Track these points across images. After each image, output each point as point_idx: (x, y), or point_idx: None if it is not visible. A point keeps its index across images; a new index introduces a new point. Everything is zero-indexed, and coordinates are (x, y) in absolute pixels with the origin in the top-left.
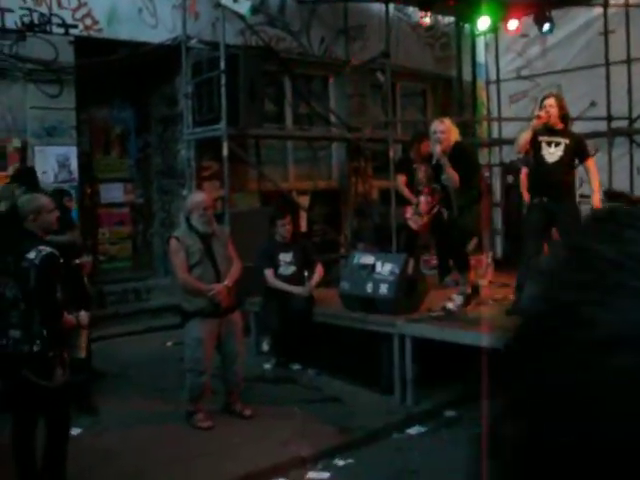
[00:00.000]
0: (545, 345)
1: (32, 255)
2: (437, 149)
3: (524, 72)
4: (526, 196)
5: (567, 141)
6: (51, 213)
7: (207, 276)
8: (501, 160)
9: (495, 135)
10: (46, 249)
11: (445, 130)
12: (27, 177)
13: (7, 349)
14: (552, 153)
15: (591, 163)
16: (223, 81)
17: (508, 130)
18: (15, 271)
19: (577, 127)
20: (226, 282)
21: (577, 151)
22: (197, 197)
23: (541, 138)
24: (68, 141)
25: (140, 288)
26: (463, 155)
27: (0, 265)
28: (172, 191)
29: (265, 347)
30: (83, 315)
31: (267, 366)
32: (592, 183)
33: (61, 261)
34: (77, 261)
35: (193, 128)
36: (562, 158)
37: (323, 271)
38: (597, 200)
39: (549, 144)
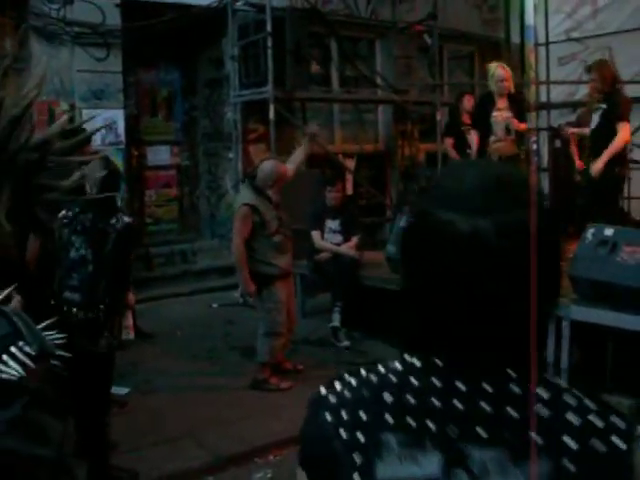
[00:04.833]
0: None
1: (113, 220)
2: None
3: (574, 34)
4: (579, 162)
5: None
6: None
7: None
8: (549, 124)
9: (543, 98)
10: (126, 218)
11: (508, 77)
12: None
13: (59, 312)
14: None
15: None
16: (269, 43)
17: (556, 93)
18: (91, 232)
19: (628, 91)
20: None
21: None
22: (282, 167)
23: None
24: (115, 104)
25: (186, 250)
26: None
27: (75, 226)
28: (218, 154)
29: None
30: (131, 296)
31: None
32: None
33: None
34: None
35: (239, 90)
36: None
37: (354, 247)
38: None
39: None
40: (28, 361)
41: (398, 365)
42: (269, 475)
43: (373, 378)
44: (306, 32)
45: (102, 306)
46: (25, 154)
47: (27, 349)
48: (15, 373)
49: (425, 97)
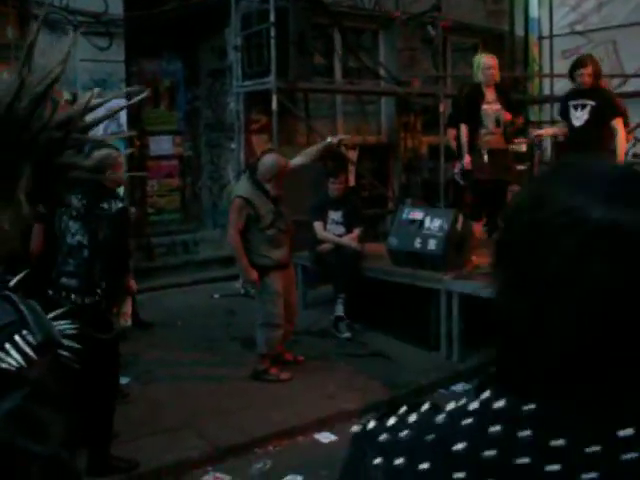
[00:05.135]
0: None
1: (106, 205)
2: None
3: (578, 27)
4: None
5: None
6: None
7: None
8: (552, 117)
9: (547, 92)
10: (119, 202)
11: (495, 65)
12: None
13: (56, 299)
14: None
15: None
16: (273, 34)
17: (560, 86)
18: (86, 217)
19: (631, 85)
20: None
21: None
22: (282, 161)
23: None
24: (117, 94)
25: (188, 240)
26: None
27: (71, 211)
28: (221, 144)
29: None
30: (132, 283)
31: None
32: None
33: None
34: None
35: (242, 81)
36: None
37: (356, 239)
38: None
39: None
40: (30, 351)
41: (475, 405)
42: (268, 465)
43: (440, 419)
44: (309, 23)
45: (99, 290)
46: (48, 133)
47: (30, 338)
48: (15, 363)
49: (428, 89)
